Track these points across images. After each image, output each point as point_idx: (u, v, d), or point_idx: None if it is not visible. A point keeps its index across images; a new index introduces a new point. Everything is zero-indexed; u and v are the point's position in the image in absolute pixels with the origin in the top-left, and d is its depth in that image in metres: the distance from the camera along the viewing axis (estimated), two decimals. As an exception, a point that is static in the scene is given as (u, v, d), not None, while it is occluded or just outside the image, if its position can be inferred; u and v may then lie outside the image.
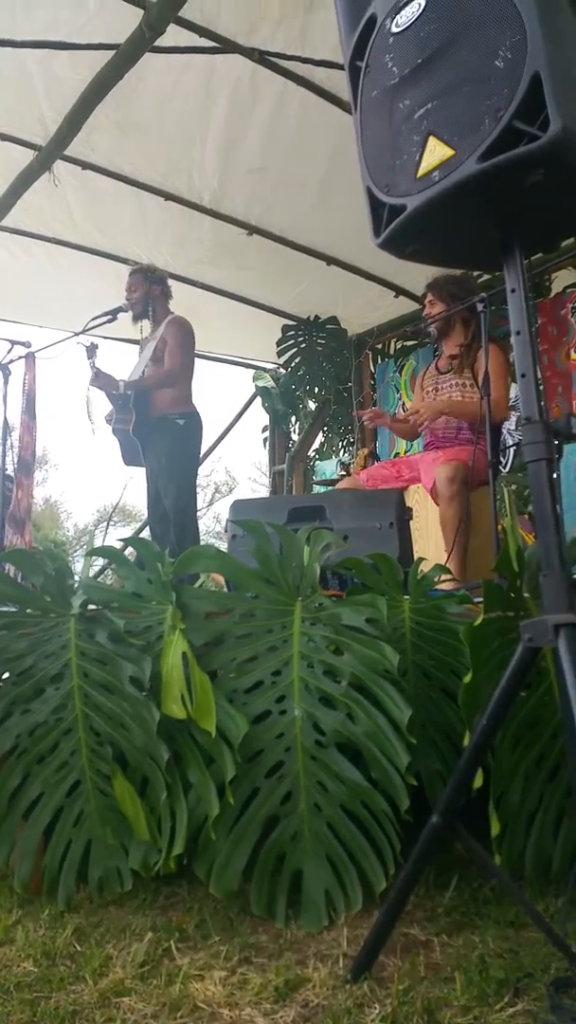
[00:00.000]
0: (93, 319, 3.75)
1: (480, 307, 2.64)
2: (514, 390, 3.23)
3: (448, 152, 1.09)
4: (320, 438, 6.51)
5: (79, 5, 2.99)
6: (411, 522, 2.42)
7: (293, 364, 5.94)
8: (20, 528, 4.05)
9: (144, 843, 1.63)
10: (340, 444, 6.35)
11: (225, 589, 2.26)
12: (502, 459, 4.21)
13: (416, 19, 1.18)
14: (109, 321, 3.80)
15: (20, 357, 3.90)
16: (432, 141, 1.11)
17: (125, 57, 3.06)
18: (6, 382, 3.76)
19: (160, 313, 4.01)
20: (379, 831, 1.55)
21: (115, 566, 1.95)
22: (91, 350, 3.81)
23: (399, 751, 1.55)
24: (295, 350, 5.87)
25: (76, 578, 1.94)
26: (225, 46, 3.16)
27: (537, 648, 1.17)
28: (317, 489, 5.94)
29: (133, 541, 2.03)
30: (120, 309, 3.87)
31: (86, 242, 4.62)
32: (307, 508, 2.31)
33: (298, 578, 1.81)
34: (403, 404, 5.66)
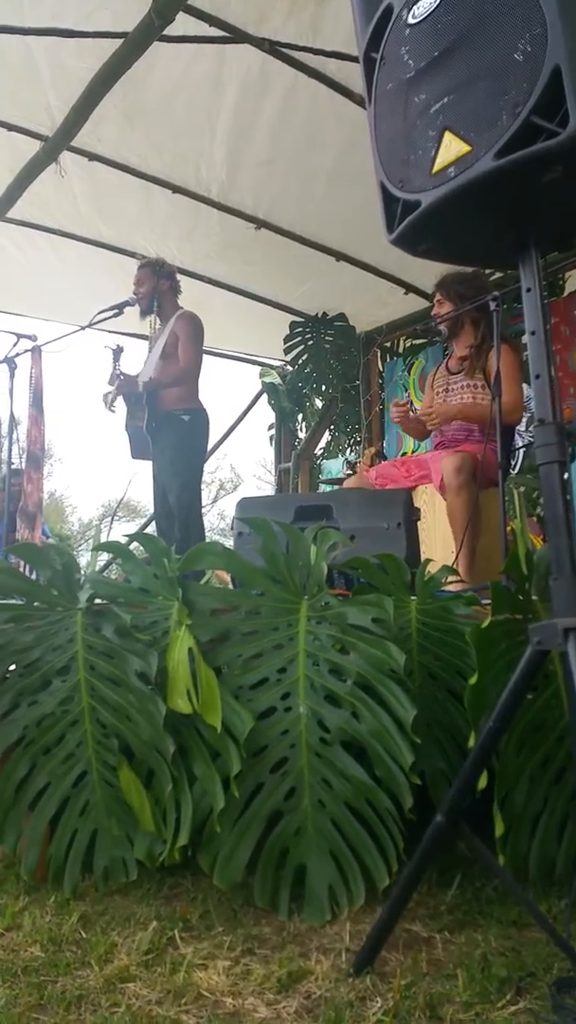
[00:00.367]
0: (99, 313, 3.74)
1: (492, 306, 2.62)
2: (527, 391, 3.22)
3: (464, 148, 1.08)
4: (327, 437, 6.50)
5: (86, -8, 2.94)
6: (419, 523, 2.41)
7: (300, 361, 5.91)
8: (31, 523, 4.05)
9: (149, 834, 1.64)
10: (347, 443, 6.34)
11: (230, 587, 2.26)
12: (512, 460, 4.21)
13: (433, 10, 1.16)
14: (115, 315, 3.79)
15: (26, 351, 3.89)
16: (448, 136, 1.11)
17: (134, 45, 3.03)
18: (12, 376, 3.75)
19: (168, 308, 3.99)
20: (382, 828, 1.56)
21: (121, 561, 1.95)
22: (117, 353, 3.80)
23: (403, 750, 1.55)
24: (302, 347, 5.85)
25: (83, 572, 1.94)
26: (235, 35, 3.12)
27: (546, 651, 1.17)
28: (323, 488, 5.93)
29: (139, 537, 2.04)
30: (126, 303, 3.85)
31: (92, 235, 4.60)
32: (314, 507, 2.31)
33: (304, 577, 1.81)
34: (411, 403, 5.65)
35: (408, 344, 5.87)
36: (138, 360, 4.18)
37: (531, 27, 1.04)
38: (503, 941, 1.41)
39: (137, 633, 1.75)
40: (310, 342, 5.85)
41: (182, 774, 1.63)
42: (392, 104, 1.24)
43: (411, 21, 1.20)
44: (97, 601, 1.85)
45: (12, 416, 3.77)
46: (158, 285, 3.95)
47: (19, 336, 3.84)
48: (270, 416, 6.64)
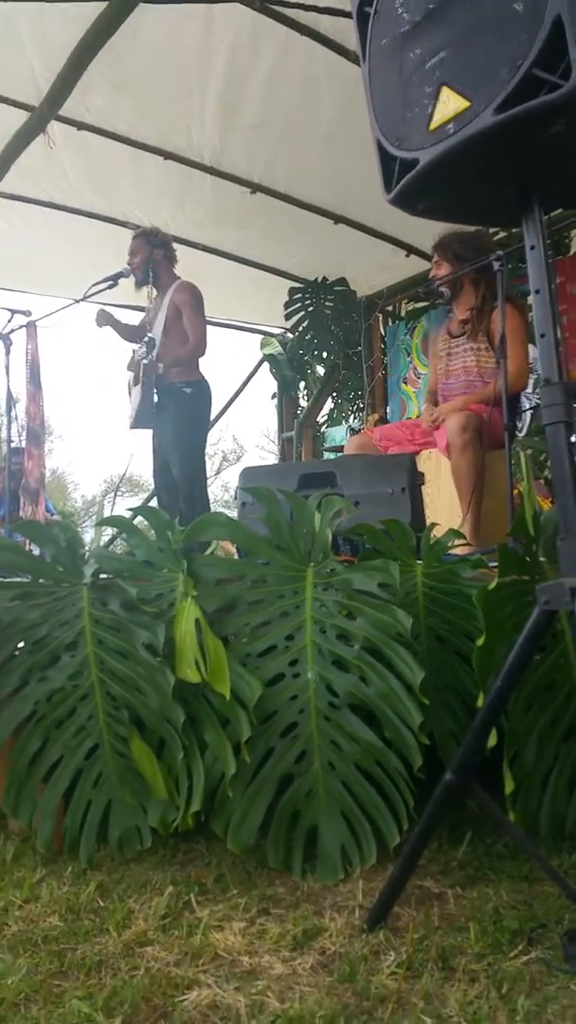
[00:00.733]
0: (94, 285, 3.70)
1: (496, 266, 2.58)
2: (533, 352, 3.18)
3: (463, 103, 1.06)
4: (329, 404, 6.46)
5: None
6: (423, 487, 2.41)
7: (301, 328, 5.85)
8: (34, 499, 4.05)
9: (162, 802, 1.66)
10: (350, 410, 6.30)
11: (236, 557, 2.27)
12: (518, 423, 4.19)
13: (428, -39, 1.13)
14: (110, 287, 3.75)
15: (21, 327, 3.86)
16: (445, 92, 1.08)
17: (118, 9, 2.96)
18: (8, 352, 3.72)
19: (165, 278, 3.94)
20: (392, 788, 1.58)
21: (125, 535, 1.96)
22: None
23: (412, 711, 1.56)
24: (303, 313, 5.78)
25: (87, 548, 1.95)
26: (223, -8, 3.04)
27: (553, 611, 1.18)
28: (327, 456, 5.91)
29: (142, 510, 2.04)
30: (120, 274, 3.81)
31: (83, 206, 4.53)
32: (318, 474, 2.31)
33: (309, 544, 1.81)
34: (414, 368, 5.60)
35: (410, 308, 5.80)
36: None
37: (531, -25, 1.00)
38: (514, 895, 1.44)
39: (143, 606, 1.76)
40: (310, 308, 5.78)
41: (193, 742, 1.66)
42: (387, 60, 1.21)
43: (405, -28, 1.16)
44: (102, 576, 1.85)
45: (9, 394, 3.74)
46: (152, 255, 3.90)
47: (13, 312, 3.79)
48: (272, 385, 6.60)
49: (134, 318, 4.27)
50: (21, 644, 1.77)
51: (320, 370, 6.32)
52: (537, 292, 1.16)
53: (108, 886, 1.55)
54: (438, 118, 1.10)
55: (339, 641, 1.68)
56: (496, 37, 1.03)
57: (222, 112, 3.81)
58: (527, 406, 4.13)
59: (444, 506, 3.08)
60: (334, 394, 6.36)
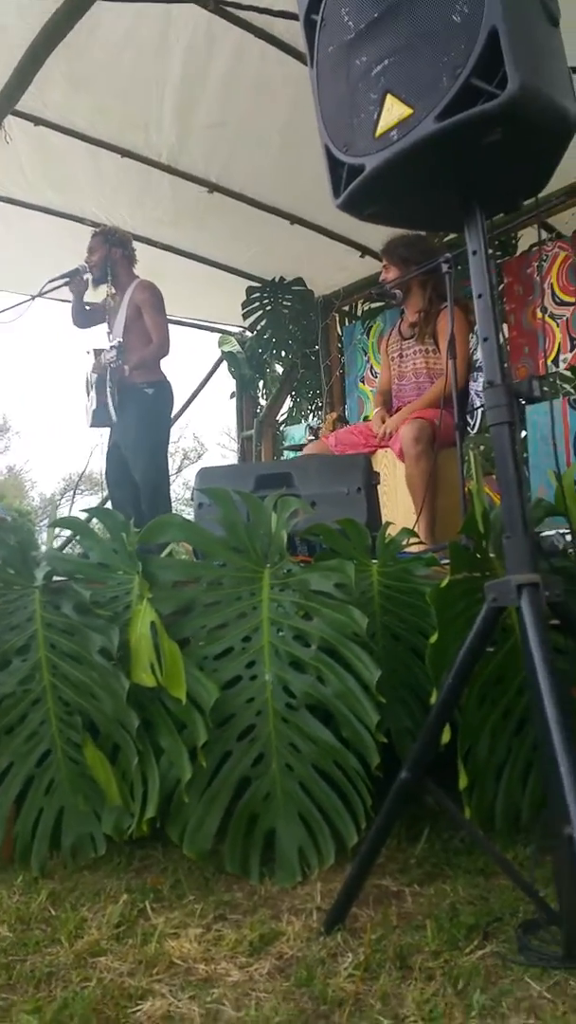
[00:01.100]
0: (49, 282, 3.66)
1: (445, 268, 2.62)
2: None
3: (406, 111, 1.07)
4: (288, 403, 6.46)
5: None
6: (379, 487, 2.42)
7: (259, 327, 5.85)
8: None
9: (117, 808, 1.65)
10: (309, 409, 6.31)
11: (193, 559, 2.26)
12: (470, 420, 4.24)
13: (371, -29, 1.14)
14: (66, 284, 3.71)
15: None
16: (390, 99, 1.09)
17: (75, 4, 2.93)
18: (-39, 349, 3.64)
19: (124, 277, 3.90)
20: (350, 788, 1.59)
21: (79, 537, 1.94)
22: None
23: (369, 710, 1.58)
24: (261, 312, 5.78)
25: (42, 549, 1.92)
26: (178, -8, 3.03)
27: (501, 607, 1.19)
28: (287, 455, 5.91)
29: (97, 511, 2.02)
30: (77, 271, 3.77)
31: (41, 201, 4.47)
32: (274, 475, 2.31)
33: (266, 545, 1.81)
34: (371, 367, 5.63)
35: (366, 308, 5.83)
36: (97, 330, 4.09)
37: (468, -12, 1.02)
38: (471, 890, 1.45)
39: (97, 609, 1.74)
40: (268, 307, 5.78)
41: (148, 747, 1.64)
42: (334, 66, 1.22)
43: (350, -19, 1.17)
44: (55, 578, 1.83)
45: None
46: (110, 253, 3.86)
47: (-35, 308, 3.72)
48: (232, 384, 6.58)
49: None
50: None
51: (279, 369, 6.32)
52: (480, 296, 1.17)
53: (60, 895, 1.53)
54: (383, 125, 1.11)
55: (296, 642, 1.68)
56: (436, 46, 1.04)
57: (179, 112, 3.80)
58: (478, 403, 4.19)
59: (400, 505, 3.11)
60: (293, 393, 6.36)
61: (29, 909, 1.46)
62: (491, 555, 1.64)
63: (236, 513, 1.80)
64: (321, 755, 1.60)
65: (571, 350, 4.31)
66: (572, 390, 4.30)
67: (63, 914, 1.44)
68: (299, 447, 5.53)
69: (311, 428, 5.86)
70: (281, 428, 6.47)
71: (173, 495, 4.10)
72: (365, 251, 5.15)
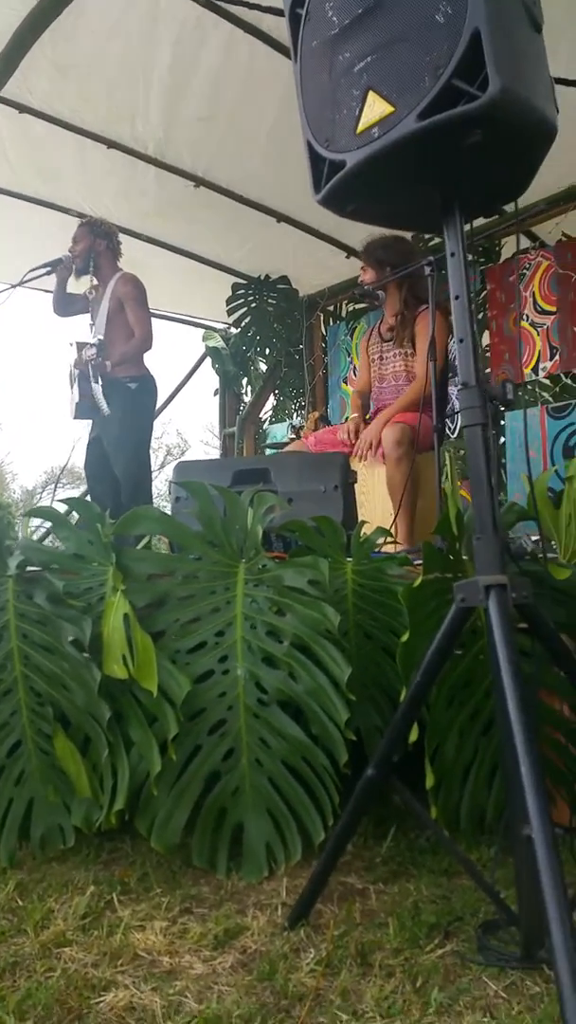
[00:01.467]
0: (31, 271, 3.63)
1: (428, 270, 2.63)
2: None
3: (387, 108, 1.07)
4: (272, 401, 6.46)
5: None
6: (356, 486, 2.43)
7: (244, 324, 5.84)
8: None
9: (86, 800, 1.64)
10: (292, 407, 6.31)
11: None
12: (450, 424, 4.26)
13: (356, -35, 1.13)
14: (47, 273, 3.68)
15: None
16: (372, 96, 1.09)
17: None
18: None
19: (107, 270, 3.88)
20: (319, 784, 1.59)
21: (54, 527, 1.92)
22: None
23: (339, 708, 1.58)
24: (245, 309, 5.77)
25: (15, 539, 1.91)
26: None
27: (470, 608, 1.20)
28: (268, 453, 5.91)
29: (73, 502, 2.00)
30: (59, 261, 3.74)
31: (25, 190, 4.42)
32: (252, 471, 2.31)
33: (241, 540, 1.81)
34: (354, 367, 5.65)
35: (350, 308, 5.84)
36: (79, 321, 4.06)
37: (452, -11, 1.02)
38: (434, 889, 1.46)
39: (71, 600, 1.73)
40: (253, 305, 5.76)
41: (118, 739, 1.64)
42: (317, 62, 1.22)
43: (335, -25, 1.17)
44: (29, 568, 1.82)
45: None
46: (95, 244, 3.84)
47: (-54, 297, 3.68)
48: (215, 381, 6.56)
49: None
50: None
51: (263, 366, 6.32)
52: (457, 298, 1.18)
53: (28, 885, 1.53)
54: (364, 122, 1.11)
55: (269, 637, 1.68)
56: (420, 45, 1.04)
57: (167, 104, 3.77)
58: (458, 408, 4.20)
59: (378, 504, 3.12)
60: (276, 391, 6.36)
61: (-5, 899, 1.45)
62: (464, 557, 1.65)
63: (213, 507, 1.80)
64: (290, 751, 1.61)
65: (551, 359, 4.34)
66: (551, 398, 4.34)
67: (30, 905, 1.44)
68: (281, 445, 5.53)
69: (293, 427, 5.86)
70: (264, 426, 6.46)
71: (155, 491, 4.08)
72: (350, 252, 5.15)
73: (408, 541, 2.83)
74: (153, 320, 3.92)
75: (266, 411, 6.49)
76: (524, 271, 4.45)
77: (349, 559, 1.85)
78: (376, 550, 1.88)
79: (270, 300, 5.77)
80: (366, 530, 1.90)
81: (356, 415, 3.33)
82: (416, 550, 2.23)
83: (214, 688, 1.67)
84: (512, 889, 1.31)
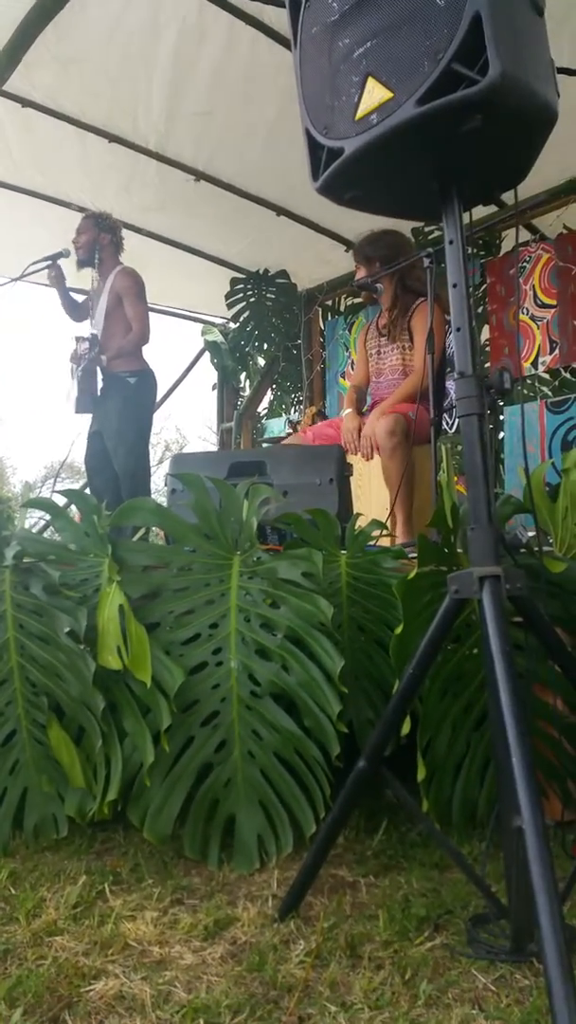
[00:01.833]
0: (31, 264, 3.62)
1: (427, 263, 2.62)
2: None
3: (386, 94, 1.06)
4: (269, 396, 6.45)
5: None
6: (351, 479, 2.43)
7: (242, 319, 5.82)
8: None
9: (80, 790, 1.64)
10: (289, 402, 6.30)
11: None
12: (447, 418, 4.25)
13: (357, -48, 1.12)
14: (48, 267, 3.67)
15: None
16: (371, 82, 1.08)
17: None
18: None
19: (108, 263, 3.88)
20: (310, 777, 1.59)
21: (51, 518, 1.92)
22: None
23: (331, 700, 1.58)
24: (244, 304, 5.75)
25: (11, 530, 1.90)
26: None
27: (463, 600, 1.19)
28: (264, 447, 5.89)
29: (70, 494, 2.00)
30: (60, 254, 3.74)
31: (26, 184, 4.42)
32: (248, 463, 2.30)
33: (236, 532, 1.81)
34: (352, 362, 5.63)
35: (349, 303, 5.83)
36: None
37: (453, -29, 1.01)
38: (424, 883, 1.46)
39: (67, 591, 1.73)
40: (252, 299, 5.75)
41: (112, 730, 1.64)
42: (317, 48, 1.21)
43: (336, -39, 1.16)
44: (25, 559, 1.81)
45: None
46: (98, 238, 3.85)
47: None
48: (214, 376, 6.55)
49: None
50: None
51: (261, 361, 6.30)
52: (455, 286, 1.17)
53: (21, 874, 1.52)
54: (363, 108, 1.10)
55: (263, 630, 1.68)
56: (419, 30, 1.03)
57: (168, 98, 3.77)
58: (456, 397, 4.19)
59: (374, 497, 3.11)
60: (274, 386, 6.35)
61: (-13, 888, 1.45)
62: (459, 550, 1.64)
63: (208, 499, 1.79)
64: (283, 743, 1.60)
65: (551, 352, 4.33)
66: (550, 392, 4.33)
67: (22, 893, 1.43)
68: (278, 440, 5.52)
69: (291, 422, 5.86)
70: (261, 421, 6.45)
71: (153, 486, 4.08)
72: (350, 245, 5.13)
73: (404, 534, 2.83)
74: (152, 314, 3.92)
75: (263, 406, 6.48)
76: (524, 264, 4.43)
77: (344, 552, 1.85)
78: (371, 543, 1.87)
79: (269, 294, 5.76)
80: (361, 523, 1.89)
81: (351, 411, 3.32)
82: (409, 545, 2.22)
83: (207, 680, 1.66)
84: (503, 883, 1.31)
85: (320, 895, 1.42)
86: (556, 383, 4.35)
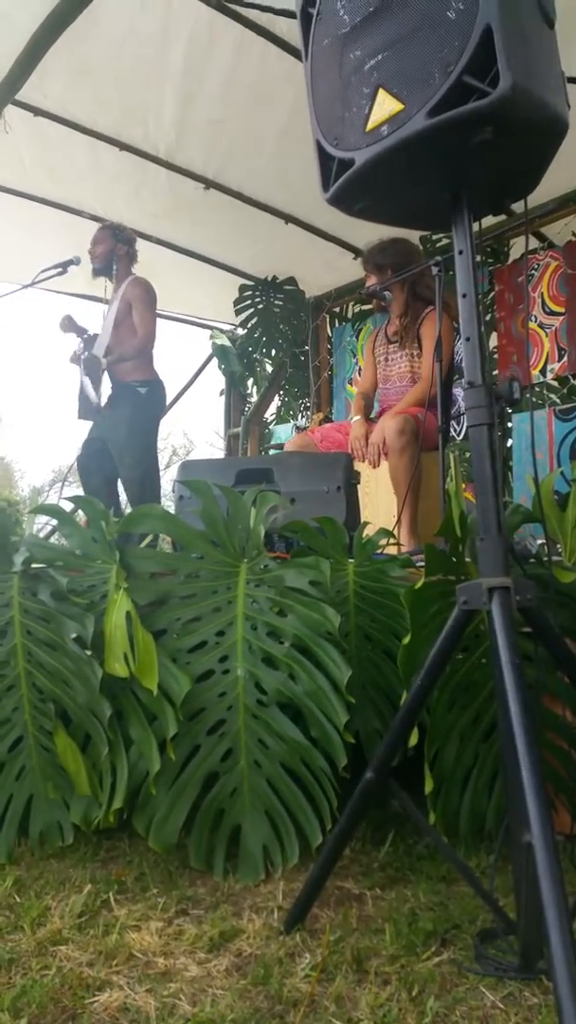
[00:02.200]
0: (43, 271, 3.63)
1: (435, 270, 2.62)
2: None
3: (397, 106, 1.06)
4: (277, 402, 6.45)
5: None
6: (359, 487, 2.42)
7: (250, 325, 5.84)
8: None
9: (85, 798, 1.64)
10: (297, 409, 6.31)
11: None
12: (455, 425, 4.24)
13: (368, -36, 1.13)
14: (59, 274, 3.68)
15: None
16: (382, 94, 1.08)
17: (78, -5, 2.93)
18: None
19: (122, 273, 3.92)
20: (317, 787, 1.58)
21: (58, 524, 1.92)
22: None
23: (338, 710, 1.57)
24: (252, 311, 5.77)
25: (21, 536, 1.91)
26: (179, -13, 3.02)
27: (472, 611, 1.19)
28: (270, 453, 5.90)
29: (77, 500, 2.00)
30: (71, 262, 3.74)
31: (37, 192, 4.45)
32: (255, 470, 2.30)
33: (244, 540, 1.80)
34: (359, 369, 5.63)
35: (357, 310, 5.83)
36: (93, 321, 4.08)
37: (464, -17, 1.01)
38: (431, 896, 1.45)
39: (74, 597, 1.73)
40: (260, 306, 5.77)
41: (118, 738, 1.63)
42: (328, 60, 1.21)
43: (347, -26, 1.16)
44: (34, 565, 1.81)
45: None
46: (115, 249, 3.89)
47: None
48: (222, 382, 6.56)
49: (88, 308, 4.21)
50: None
51: (269, 367, 6.32)
52: (464, 296, 1.17)
53: (26, 882, 1.52)
54: (374, 119, 1.10)
55: (269, 638, 1.67)
56: (430, 42, 1.03)
57: (178, 107, 3.79)
58: (464, 409, 4.17)
59: (382, 505, 3.10)
60: (281, 392, 6.36)
61: (-8, 896, 1.45)
62: (467, 559, 1.63)
63: (215, 506, 1.79)
64: (289, 753, 1.60)
65: (559, 360, 4.32)
66: (558, 400, 4.32)
67: (27, 902, 1.43)
68: (283, 446, 5.52)
69: (298, 428, 5.86)
70: (269, 427, 6.45)
71: (161, 492, 4.09)
72: (358, 253, 5.14)
73: (410, 540, 2.82)
74: (161, 321, 3.93)
75: (271, 412, 6.49)
76: (532, 272, 4.42)
77: (351, 560, 1.84)
78: (379, 551, 1.87)
79: (277, 301, 5.77)
80: (369, 531, 1.89)
81: (359, 418, 3.31)
82: (417, 552, 2.21)
83: (214, 688, 1.66)
84: (511, 897, 1.30)
85: (326, 907, 1.41)
86: (564, 391, 4.34)
